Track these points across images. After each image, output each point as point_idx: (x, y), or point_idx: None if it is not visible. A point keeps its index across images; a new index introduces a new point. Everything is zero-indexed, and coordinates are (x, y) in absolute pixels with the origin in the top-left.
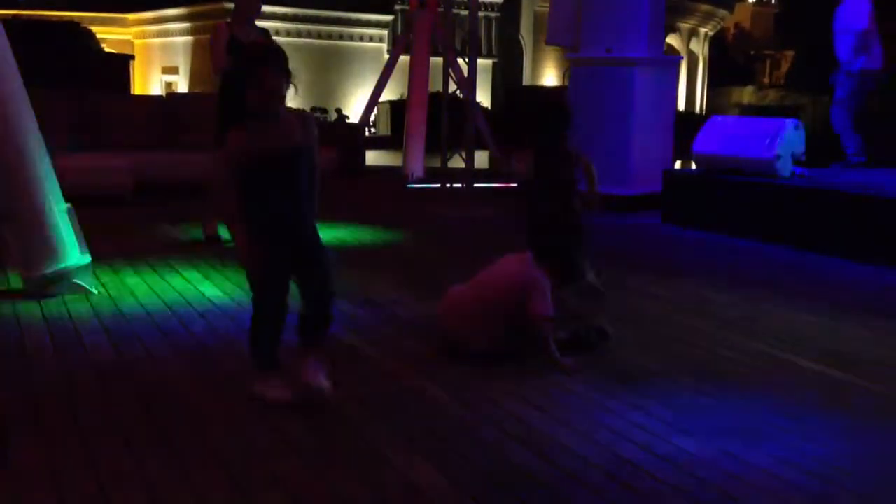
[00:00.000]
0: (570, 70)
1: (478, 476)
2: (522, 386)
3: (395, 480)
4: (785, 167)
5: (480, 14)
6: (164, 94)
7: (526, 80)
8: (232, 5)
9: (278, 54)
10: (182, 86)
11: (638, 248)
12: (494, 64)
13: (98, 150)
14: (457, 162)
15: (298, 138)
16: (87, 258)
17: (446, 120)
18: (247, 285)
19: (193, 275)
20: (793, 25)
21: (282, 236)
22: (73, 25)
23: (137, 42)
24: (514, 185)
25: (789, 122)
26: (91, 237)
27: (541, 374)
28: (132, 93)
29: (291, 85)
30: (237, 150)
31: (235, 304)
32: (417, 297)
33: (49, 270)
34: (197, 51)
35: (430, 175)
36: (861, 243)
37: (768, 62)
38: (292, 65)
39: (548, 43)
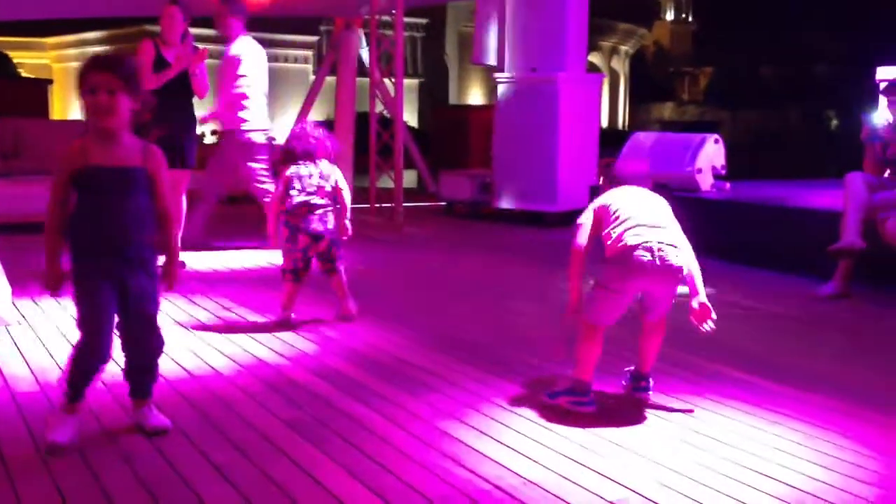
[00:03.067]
0: (496, 89)
1: (415, 498)
2: (456, 406)
3: (329, 503)
4: (706, 181)
5: (406, 34)
6: (84, 118)
7: (452, 99)
8: (153, 27)
9: (121, 62)
10: None
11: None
12: (421, 83)
13: (17, 177)
14: (386, 182)
15: (135, 161)
16: (7, 289)
17: (375, 140)
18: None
19: None
20: (710, 43)
21: (103, 265)
22: None
23: (56, 66)
24: (443, 203)
25: (709, 137)
26: (10, 267)
27: (476, 394)
28: (51, 118)
29: (136, 110)
30: (68, 156)
31: None
32: (346, 317)
33: None
34: None
35: (358, 195)
36: (783, 254)
37: (687, 79)
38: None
39: (473, 62)
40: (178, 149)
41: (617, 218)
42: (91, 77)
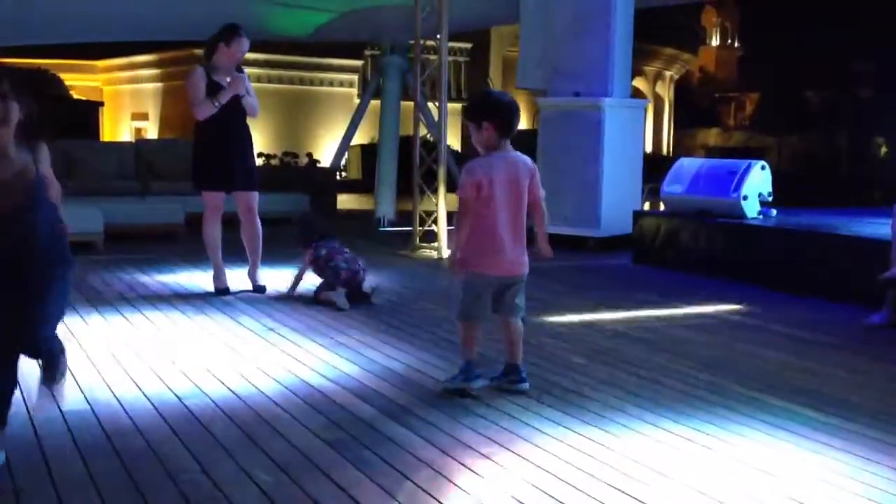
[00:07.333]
0: (540, 113)
1: None
2: (496, 430)
3: None
4: (752, 208)
5: (450, 58)
6: (133, 140)
7: None
8: (201, 51)
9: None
10: (152, 132)
11: (609, 288)
12: (464, 107)
13: (67, 198)
14: (428, 204)
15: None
16: None
17: (418, 163)
18: None
19: (160, 319)
20: (756, 68)
21: None
22: (42, 72)
23: (107, 88)
24: None
25: (755, 163)
26: None
27: (517, 418)
28: (102, 139)
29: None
30: None
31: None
32: (384, 338)
33: None
34: (167, 96)
35: (402, 218)
36: (830, 282)
37: (733, 104)
38: (263, 109)
39: (518, 87)
40: (248, 171)
41: None
42: None
